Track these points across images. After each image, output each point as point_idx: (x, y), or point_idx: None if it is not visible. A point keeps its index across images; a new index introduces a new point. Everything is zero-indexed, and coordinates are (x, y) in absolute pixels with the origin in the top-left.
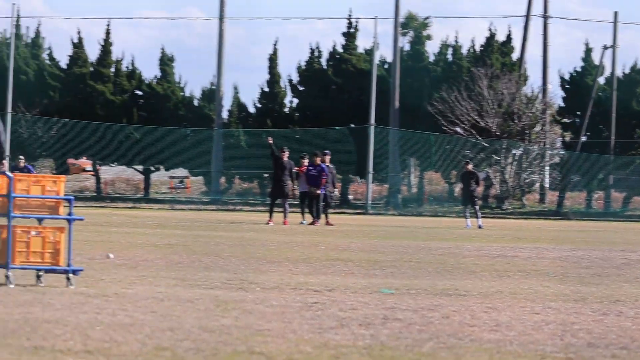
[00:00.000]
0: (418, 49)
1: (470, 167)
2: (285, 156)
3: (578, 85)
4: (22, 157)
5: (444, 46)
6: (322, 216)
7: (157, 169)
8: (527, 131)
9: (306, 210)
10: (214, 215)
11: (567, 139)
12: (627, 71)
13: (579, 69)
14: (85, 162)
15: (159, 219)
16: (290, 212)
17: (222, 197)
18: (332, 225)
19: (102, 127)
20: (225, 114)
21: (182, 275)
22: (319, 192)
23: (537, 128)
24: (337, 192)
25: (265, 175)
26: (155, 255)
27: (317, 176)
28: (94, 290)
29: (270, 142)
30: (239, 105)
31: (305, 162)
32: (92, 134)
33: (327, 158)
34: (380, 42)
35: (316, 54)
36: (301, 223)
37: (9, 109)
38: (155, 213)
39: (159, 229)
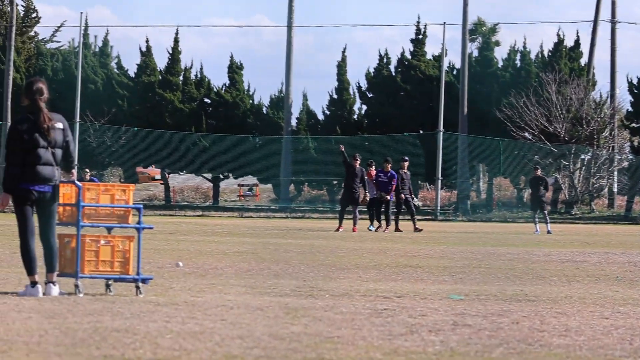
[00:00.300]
0: (486, 54)
1: (539, 172)
2: (357, 163)
3: None
4: (87, 170)
5: (513, 52)
6: (391, 222)
7: (226, 177)
8: (595, 136)
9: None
10: (283, 223)
11: (636, 143)
12: None
13: None
14: (154, 171)
15: (228, 227)
16: (360, 219)
17: (291, 204)
18: (401, 231)
19: (171, 135)
20: (294, 121)
21: (252, 282)
22: (388, 197)
23: (606, 133)
24: (416, 200)
25: (334, 182)
26: (224, 263)
27: (387, 182)
28: (164, 299)
29: (342, 149)
30: (307, 113)
31: (373, 168)
32: (161, 143)
33: (406, 165)
34: (448, 48)
35: (385, 60)
36: (369, 229)
37: (78, 118)
38: (224, 221)
39: (228, 236)
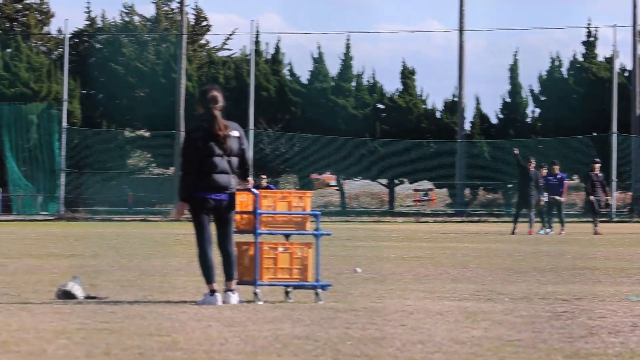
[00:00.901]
0: None
1: None
2: (532, 166)
3: None
4: (264, 176)
5: None
6: (562, 224)
7: (401, 182)
8: None
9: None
10: (459, 227)
11: None
12: None
13: None
14: (329, 177)
15: (404, 232)
16: (535, 222)
17: (467, 208)
18: (600, 234)
19: (345, 141)
20: (467, 126)
21: (430, 287)
22: (560, 199)
23: None
24: (609, 199)
25: (509, 185)
26: (402, 268)
27: (557, 185)
28: (343, 305)
29: (516, 152)
30: (480, 116)
31: (544, 171)
32: (335, 149)
33: (597, 166)
34: (620, 50)
35: (556, 63)
36: (544, 232)
37: (251, 126)
38: (400, 226)
39: (404, 241)
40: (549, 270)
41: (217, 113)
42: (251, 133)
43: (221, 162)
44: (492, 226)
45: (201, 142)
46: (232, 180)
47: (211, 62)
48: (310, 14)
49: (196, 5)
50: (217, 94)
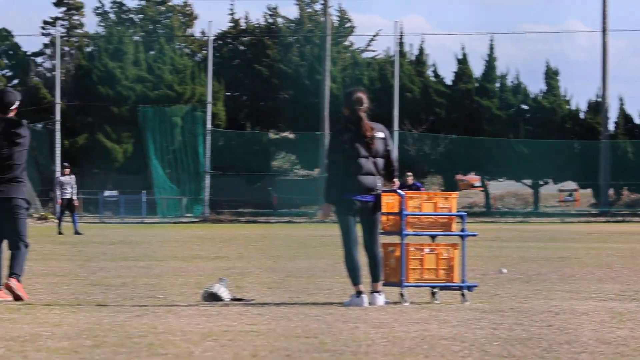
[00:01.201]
0: None
1: None
2: None
3: None
4: (409, 173)
5: None
6: None
7: (546, 183)
8: None
9: None
10: (604, 227)
11: None
12: None
13: None
14: (474, 178)
15: (549, 233)
16: None
17: (611, 208)
18: None
19: (489, 142)
20: (611, 126)
21: (576, 288)
22: None
23: None
24: None
25: None
26: (547, 268)
27: None
28: (489, 306)
29: None
30: (624, 117)
31: None
32: (479, 150)
33: None
34: None
35: None
36: None
37: (396, 127)
38: (545, 227)
39: (549, 242)
40: None
41: (363, 114)
42: (396, 134)
43: (367, 163)
44: (637, 226)
45: (347, 144)
46: (378, 182)
47: (355, 64)
48: (454, 15)
49: (340, 7)
50: (362, 96)
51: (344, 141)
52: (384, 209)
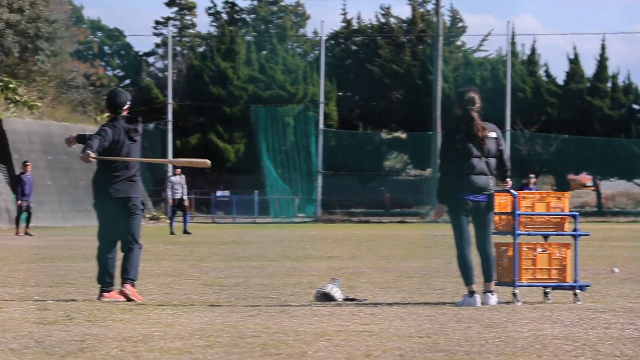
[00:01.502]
0: None
1: None
2: None
3: None
4: (532, 175)
5: None
6: None
7: None
8: None
9: None
10: None
11: None
12: None
13: None
14: (585, 178)
15: None
16: None
17: None
18: None
19: (601, 142)
20: None
21: None
22: None
23: None
24: None
25: None
26: None
27: None
28: (601, 305)
29: None
30: None
31: None
32: (591, 149)
33: None
34: None
35: None
36: None
37: (508, 127)
38: None
39: None
40: None
41: (475, 114)
42: (508, 134)
43: (479, 163)
44: None
45: (460, 144)
46: (490, 182)
47: (467, 63)
48: (566, 15)
49: (452, 7)
50: (475, 95)
51: (457, 141)
52: (496, 209)
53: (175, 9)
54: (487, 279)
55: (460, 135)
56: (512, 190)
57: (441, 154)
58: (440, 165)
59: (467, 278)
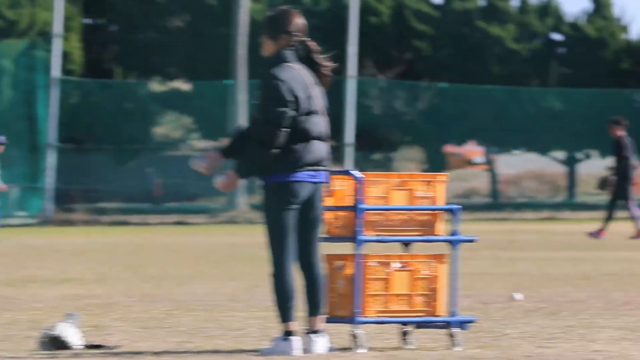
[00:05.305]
0: None
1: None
2: None
3: None
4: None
5: None
6: None
7: (588, 157)
8: None
9: None
10: None
11: None
12: None
13: None
14: (473, 151)
15: (582, 235)
16: None
17: None
18: None
19: (500, 92)
20: None
21: (632, 322)
22: None
23: None
24: None
25: None
26: (587, 292)
27: None
28: (493, 352)
29: None
30: None
31: None
32: (484, 106)
33: None
34: None
35: None
36: None
37: (352, 71)
38: (584, 226)
39: (591, 250)
40: None
41: (315, 46)
42: (352, 82)
43: (322, 122)
44: None
45: (298, 93)
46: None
47: None
48: None
49: None
50: (303, 21)
51: (293, 90)
52: (328, 202)
53: None
54: (313, 312)
55: (296, 81)
56: (355, 172)
57: (270, 107)
58: (262, 127)
59: (285, 311)
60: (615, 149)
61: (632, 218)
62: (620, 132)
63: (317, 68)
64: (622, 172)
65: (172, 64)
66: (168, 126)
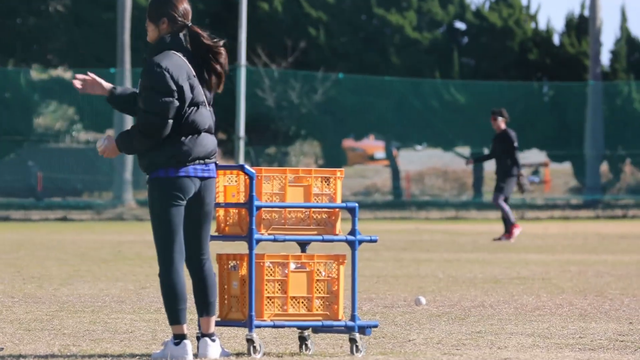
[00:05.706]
0: None
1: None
2: None
3: None
4: None
5: None
6: None
7: None
8: None
9: None
10: (591, 227)
11: None
12: None
13: None
14: (374, 145)
15: (492, 235)
16: None
17: (604, 196)
18: None
19: (400, 84)
20: (605, 58)
21: (543, 328)
22: None
23: None
24: None
25: None
26: (496, 296)
27: None
28: (397, 359)
29: None
30: (629, 42)
31: None
32: (384, 98)
33: None
34: None
35: None
36: None
37: (242, 61)
38: (492, 226)
39: (500, 252)
40: None
41: (202, 31)
42: (242, 71)
43: (209, 114)
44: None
45: (184, 83)
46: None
47: None
48: None
49: None
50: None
51: (180, 78)
52: (220, 199)
53: None
54: (204, 313)
55: (180, 69)
56: (247, 167)
57: (151, 100)
58: (145, 118)
59: (175, 313)
60: (500, 142)
61: (502, 212)
62: (504, 125)
63: (208, 55)
64: (506, 168)
65: (54, 50)
66: (50, 117)
